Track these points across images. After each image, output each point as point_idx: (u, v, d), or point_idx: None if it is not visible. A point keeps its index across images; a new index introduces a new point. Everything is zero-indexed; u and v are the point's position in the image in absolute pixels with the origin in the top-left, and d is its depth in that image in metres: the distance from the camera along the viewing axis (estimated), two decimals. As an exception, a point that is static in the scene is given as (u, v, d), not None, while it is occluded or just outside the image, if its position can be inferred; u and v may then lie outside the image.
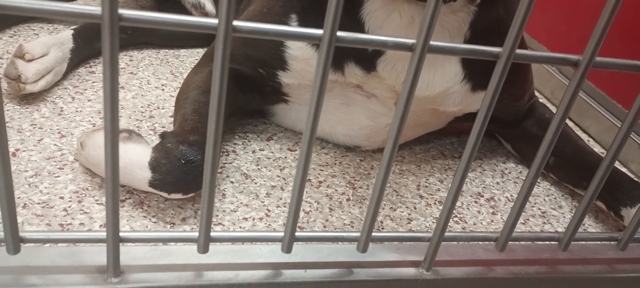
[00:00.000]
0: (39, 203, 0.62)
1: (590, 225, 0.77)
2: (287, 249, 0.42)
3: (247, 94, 0.77)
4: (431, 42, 0.34)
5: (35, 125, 0.75)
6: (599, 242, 0.53)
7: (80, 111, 0.80)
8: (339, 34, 0.33)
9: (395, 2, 0.66)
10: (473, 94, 0.74)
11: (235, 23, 0.31)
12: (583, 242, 0.53)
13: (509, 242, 0.46)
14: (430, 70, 0.70)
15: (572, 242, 0.48)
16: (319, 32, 0.33)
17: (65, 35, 0.88)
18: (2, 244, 0.37)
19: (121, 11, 0.29)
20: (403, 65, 0.69)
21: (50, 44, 0.83)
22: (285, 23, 0.71)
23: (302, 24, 0.71)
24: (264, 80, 0.76)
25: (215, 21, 0.31)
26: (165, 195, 0.61)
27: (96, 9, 0.29)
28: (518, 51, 0.35)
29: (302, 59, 0.72)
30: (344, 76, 0.71)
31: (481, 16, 0.69)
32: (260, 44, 0.73)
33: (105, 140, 0.32)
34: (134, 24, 0.30)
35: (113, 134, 0.32)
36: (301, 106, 0.80)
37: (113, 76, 0.30)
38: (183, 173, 0.60)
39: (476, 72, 0.72)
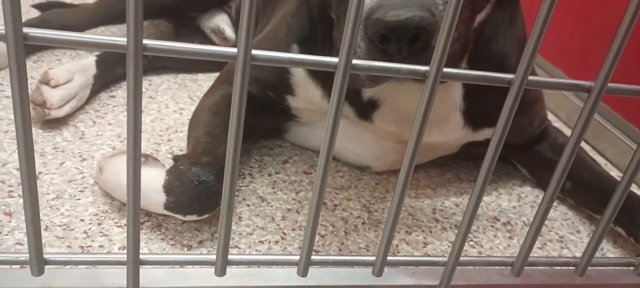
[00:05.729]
0: (60, 226, 0.63)
1: (608, 250, 0.76)
2: (303, 273, 0.42)
3: (257, 115, 0.79)
4: (444, 69, 0.35)
5: (58, 148, 0.77)
6: (616, 267, 0.53)
7: (101, 135, 0.82)
8: (354, 61, 0.34)
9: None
10: (475, 133, 0.77)
11: (254, 52, 0.32)
12: (600, 267, 0.52)
13: (526, 267, 0.46)
14: (431, 124, 0.72)
15: (589, 267, 0.48)
16: (335, 60, 0.33)
17: (88, 61, 0.91)
18: (26, 266, 0.38)
19: (145, 41, 0.30)
20: (398, 114, 0.72)
21: (74, 70, 0.85)
22: (288, 51, 0.74)
23: (303, 52, 0.74)
24: (274, 103, 0.78)
25: (234, 50, 0.32)
26: (180, 217, 0.62)
27: (122, 40, 0.30)
28: (530, 77, 0.36)
29: (304, 86, 0.74)
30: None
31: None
32: (268, 70, 0.76)
33: (127, 165, 0.33)
34: (157, 53, 0.31)
35: (136, 159, 0.33)
36: (311, 126, 0.82)
37: (136, 103, 0.31)
38: (196, 194, 0.61)
39: (477, 117, 0.75)
